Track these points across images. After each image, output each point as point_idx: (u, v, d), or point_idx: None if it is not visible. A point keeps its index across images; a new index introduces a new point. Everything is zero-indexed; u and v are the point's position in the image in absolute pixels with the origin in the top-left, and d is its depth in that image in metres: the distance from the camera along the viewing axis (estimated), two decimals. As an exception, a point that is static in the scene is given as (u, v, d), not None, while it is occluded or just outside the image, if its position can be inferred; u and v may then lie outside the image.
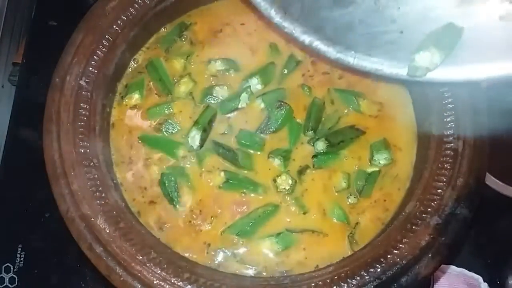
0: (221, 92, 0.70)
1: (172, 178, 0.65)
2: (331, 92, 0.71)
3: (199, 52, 0.73)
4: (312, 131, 0.68)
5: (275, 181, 0.65)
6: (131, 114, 0.70)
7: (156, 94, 0.71)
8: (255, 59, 0.73)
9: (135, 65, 0.72)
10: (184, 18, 0.75)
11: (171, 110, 0.69)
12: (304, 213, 0.64)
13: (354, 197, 0.65)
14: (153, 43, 0.74)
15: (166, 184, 0.65)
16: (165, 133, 0.68)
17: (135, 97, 0.70)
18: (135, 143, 0.68)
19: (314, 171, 0.67)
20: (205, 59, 0.73)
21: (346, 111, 0.70)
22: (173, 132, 0.68)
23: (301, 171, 0.66)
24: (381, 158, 0.67)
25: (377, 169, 0.67)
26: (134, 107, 0.70)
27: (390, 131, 0.69)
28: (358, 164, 0.67)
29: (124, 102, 0.70)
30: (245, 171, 0.66)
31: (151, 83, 0.71)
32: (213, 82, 0.71)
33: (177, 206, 0.64)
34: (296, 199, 0.65)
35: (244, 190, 0.65)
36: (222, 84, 0.71)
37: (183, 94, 0.70)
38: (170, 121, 0.69)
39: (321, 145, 0.67)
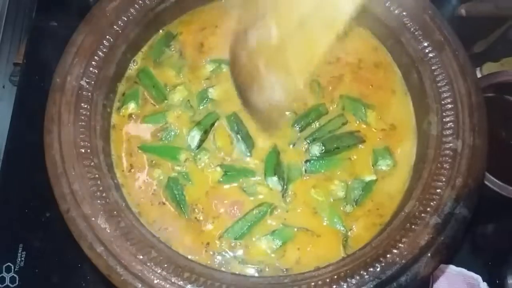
0: (215, 93, 0.70)
1: (179, 183, 0.65)
2: (343, 98, 0.70)
3: (190, 61, 0.73)
4: (299, 128, 0.68)
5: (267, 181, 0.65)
6: (129, 124, 0.69)
7: (151, 103, 0.70)
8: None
9: (135, 66, 0.72)
10: (171, 27, 0.75)
11: (168, 118, 0.69)
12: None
13: (351, 206, 0.65)
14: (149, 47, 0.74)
15: (173, 189, 0.65)
16: (164, 140, 0.68)
17: (131, 107, 0.69)
18: (135, 151, 0.67)
19: (305, 177, 0.66)
20: (197, 65, 0.72)
21: (352, 119, 0.69)
22: (172, 138, 0.68)
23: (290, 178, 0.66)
24: (384, 164, 0.67)
25: (374, 178, 0.66)
26: (130, 116, 0.69)
27: (390, 139, 0.69)
28: (353, 173, 0.67)
29: (121, 113, 0.69)
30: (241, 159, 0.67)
31: (145, 92, 0.71)
32: (204, 85, 0.71)
33: (182, 208, 0.64)
34: (288, 203, 0.65)
35: (242, 179, 0.65)
36: (215, 84, 0.71)
37: (177, 102, 0.70)
38: (168, 128, 0.68)
39: (316, 149, 0.67)
